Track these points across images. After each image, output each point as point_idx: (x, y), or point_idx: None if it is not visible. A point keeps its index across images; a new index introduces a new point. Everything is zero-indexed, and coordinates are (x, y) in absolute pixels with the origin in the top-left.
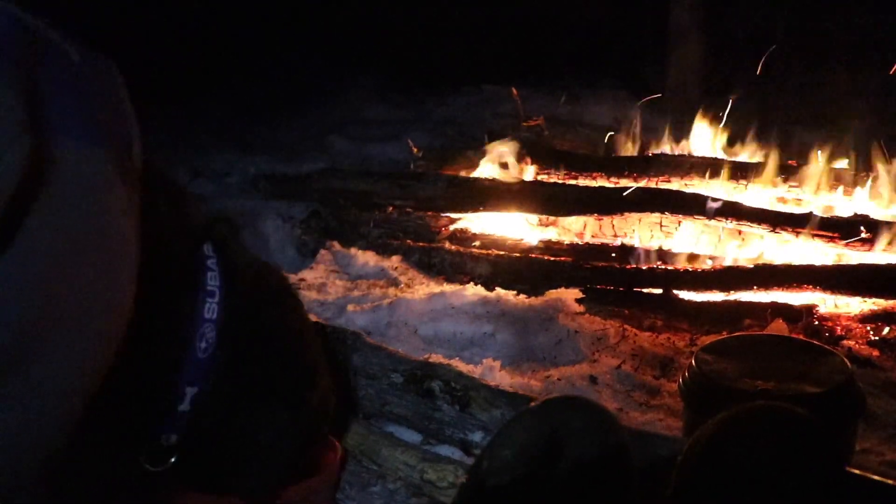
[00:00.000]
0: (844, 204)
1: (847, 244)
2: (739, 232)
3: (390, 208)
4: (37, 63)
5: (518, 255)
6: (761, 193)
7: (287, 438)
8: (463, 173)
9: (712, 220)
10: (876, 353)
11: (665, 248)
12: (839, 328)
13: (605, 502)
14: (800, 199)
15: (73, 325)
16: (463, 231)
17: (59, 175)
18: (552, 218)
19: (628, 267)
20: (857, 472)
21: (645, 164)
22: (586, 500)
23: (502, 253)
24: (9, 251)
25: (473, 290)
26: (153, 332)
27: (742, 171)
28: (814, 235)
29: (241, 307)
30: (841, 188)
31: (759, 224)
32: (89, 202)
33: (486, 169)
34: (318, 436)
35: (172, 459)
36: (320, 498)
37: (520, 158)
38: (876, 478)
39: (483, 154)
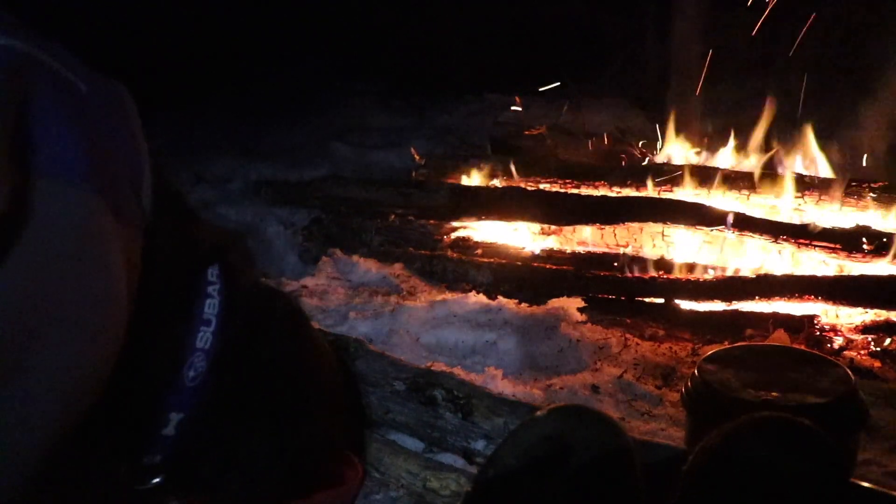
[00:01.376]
0: (847, 215)
1: (849, 255)
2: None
3: (392, 216)
4: (31, 98)
5: (520, 263)
6: (764, 203)
7: (277, 463)
8: (465, 181)
9: (712, 230)
10: (878, 363)
11: (667, 257)
12: (841, 339)
13: (610, 499)
14: (802, 210)
15: (49, 360)
16: (465, 239)
17: (44, 213)
18: (554, 227)
19: (630, 276)
20: (859, 482)
21: (647, 173)
22: (591, 495)
23: (504, 261)
24: None
25: (475, 299)
26: (143, 358)
27: (744, 181)
28: (815, 246)
29: (237, 336)
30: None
31: (761, 234)
32: (76, 241)
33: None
34: (319, 457)
35: (156, 480)
36: None
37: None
38: (878, 488)
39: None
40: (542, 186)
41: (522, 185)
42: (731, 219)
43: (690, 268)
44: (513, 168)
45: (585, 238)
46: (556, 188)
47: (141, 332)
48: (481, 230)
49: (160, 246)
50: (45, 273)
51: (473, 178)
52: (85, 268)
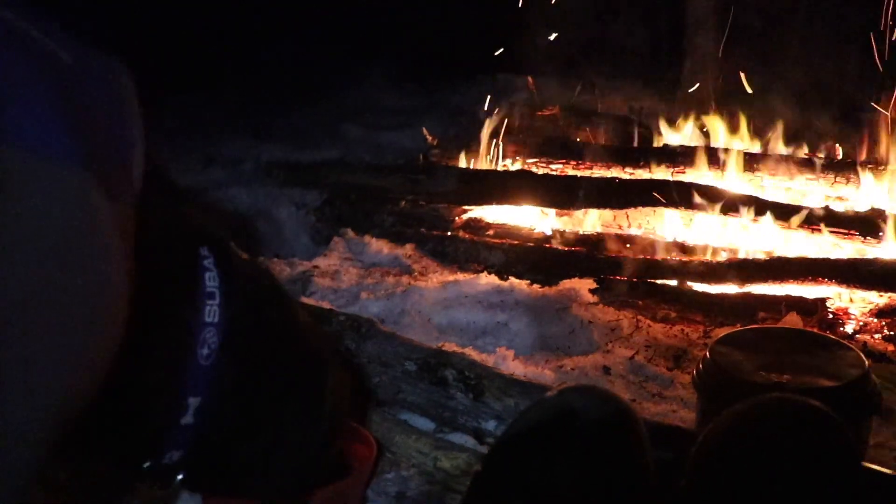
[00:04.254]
0: (862, 197)
1: (864, 240)
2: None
3: (402, 203)
4: (5, 68)
5: (532, 244)
6: (778, 185)
7: (312, 435)
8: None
9: (725, 215)
10: (891, 347)
11: (679, 239)
12: (854, 322)
13: (621, 484)
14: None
15: (45, 349)
16: (477, 220)
17: (21, 196)
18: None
19: (642, 258)
20: (871, 466)
21: (660, 155)
22: (601, 482)
23: (516, 242)
24: None
25: (487, 279)
26: (151, 341)
27: (758, 163)
28: (830, 231)
29: (242, 308)
30: (858, 180)
31: (775, 218)
32: (63, 220)
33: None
34: (340, 428)
35: (179, 478)
36: (352, 493)
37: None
38: (890, 472)
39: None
40: (554, 168)
41: (534, 167)
42: (744, 205)
43: (703, 250)
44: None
45: (597, 219)
46: (568, 170)
47: (142, 315)
48: (493, 211)
49: (150, 222)
50: (29, 261)
51: (484, 161)
52: (75, 251)
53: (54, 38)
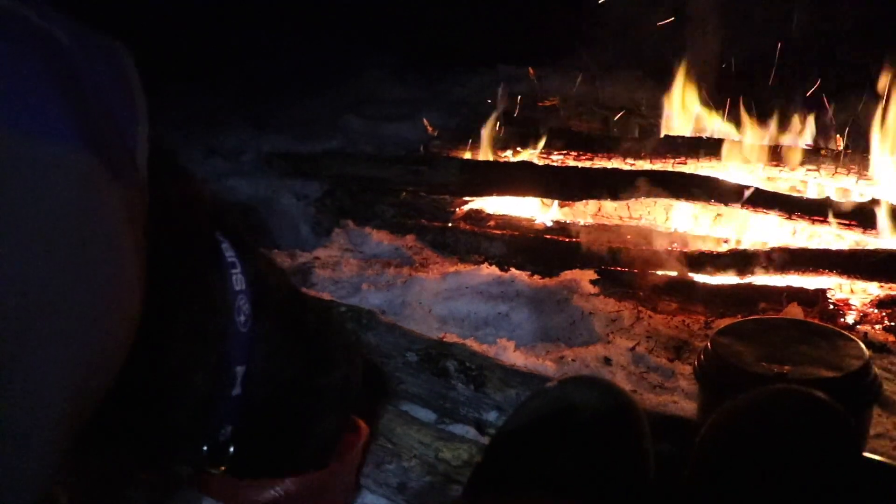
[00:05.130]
0: (862, 188)
1: (864, 231)
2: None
3: (403, 194)
4: (13, 52)
5: (533, 235)
6: (778, 176)
7: (340, 404)
8: (479, 156)
9: (727, 205)
10: (892, 338)
11: (680, 230)
12: (855, 313)
13: (622, 474)
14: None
15: (59, 334)
16: (477, 211)
17: (21, 177)
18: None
19: (643, 249)
20: (871, 456)
21: (660, 146)
22: (602, 472)
23: (517, 233)
24: None
25: (488, 270)
26: (188, 319)
27: (759, 154)
28: (830, 222)
29: (261, 277)
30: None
31: (775, 210)
32: (65, 208)
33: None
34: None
35: (231, 450)
36: (340, 479)
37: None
38: (890, 462)
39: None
40: (554, 159)
41: (535, 158)
42: (745, 194)
43: (704, 241)
44: (525, 141)
45: (599, 210)
46: (569, 160)
47: (166, 290)
48: (494, 202)
49: (169, 202)
50: (36, 249)
51: (485, 152)
52: (78, 236)
53: (50, 20)
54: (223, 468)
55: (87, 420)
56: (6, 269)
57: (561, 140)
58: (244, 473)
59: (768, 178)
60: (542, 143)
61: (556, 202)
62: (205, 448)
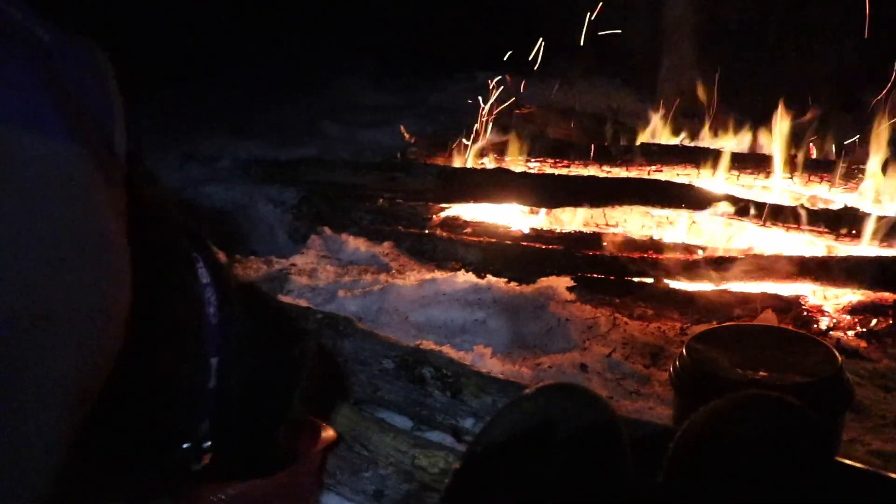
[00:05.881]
0: (835, 195)
1: (837, 237)
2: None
3: (381, 201)
4: None
5: (509, 242)
6: (754, 184)
7: (305, 392)
8: (456, 162)
9: (704, 212)
10: (863, 344)
11: (656, 237)
12: (828, 319)
13: (599, 480)
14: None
15: (57, 331)
16: (454, 218)
17: (19, 173)
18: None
19: (619, 255)
20: (844, 461)
21: (637, 154)
22: (579, 479)
23: (494, 240)
24: None
25: (465, 277)
26: (166, 313)
27: (734, 162)
28: (804, 229)
29: (220, 270)
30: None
31: (750, 217)
32: (62, 203)
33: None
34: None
35: (207, 444)
36: (299, 484)
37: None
38: (863, 467)
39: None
40: (532, 166)
41: (512, 165)
42: (718, 206)
43: (680, 248)
44: (503, 148)
45: (575, 218)
46: (546, 167)
47: (146, 284)
48: (471, 209)
49: (145, 200)
50: (31, 244)
51: (462, 160)
52: (77, 229)
53: (30, 17)
54: (203, 464)
55: (83, 422)
56: (8, 266)
57: (538, 147)
58: (220, 470)
59: (743, 186)
60: (519, 151)
61: (534, 209)
62: (185, 445)
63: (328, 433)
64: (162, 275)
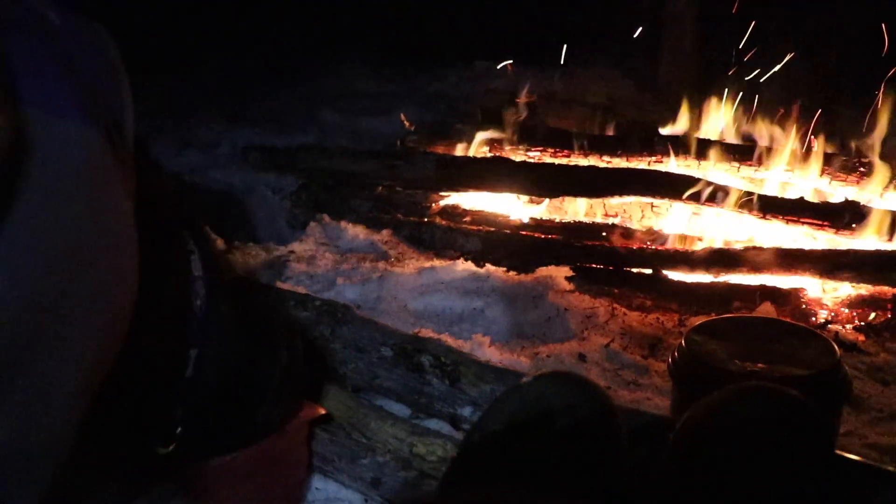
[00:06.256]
0: (836, 189)
1: (837, 231)
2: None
3: (380, 188)
4: (8, 28)
5: (509, 231)
6: (755, 176)
7: (285, 384)
8: (458, 150)
9: (701, 205)
10: (861, 337)
11: (656, 228)
12: (826, 312)
13: (596, 469)
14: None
15: (76, 317)
16: (454, 207)
17: (46, 156)
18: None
19: (619, 246)
20: (842, 453)
21: (637, 144)
22: (577, 467)
23: (493, 229)
24: None
25: (463, 266)
26: (156, 301)
27: (735, 154)
28: (803, 222)
29: (214, 262)
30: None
31: (749, 210)
32: (82, 186)
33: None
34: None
35: (178, 430)
36: (292, 455)
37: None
38: (860, 459)
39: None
40: (531, 155)
41: (512, 154)
42: (720, 194)
43: (679, 239)
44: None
45: (575, 207)
46: (545, 157)
47: (144, 267)
48: (470, 198)
49: (148, 188)
50: (59, 226)
51: (461, 148)
52: (96, 209)
53: (42, 1)
54: (171, 448)
55: (86, 413)
56: (31, 248)
57: (538, 136)
58: (189, 455)
59: (742, 178)
60: (519, 140)
61: (535, 199)
62: (157, 429)
63: (314, 409)
64: (157, 262)
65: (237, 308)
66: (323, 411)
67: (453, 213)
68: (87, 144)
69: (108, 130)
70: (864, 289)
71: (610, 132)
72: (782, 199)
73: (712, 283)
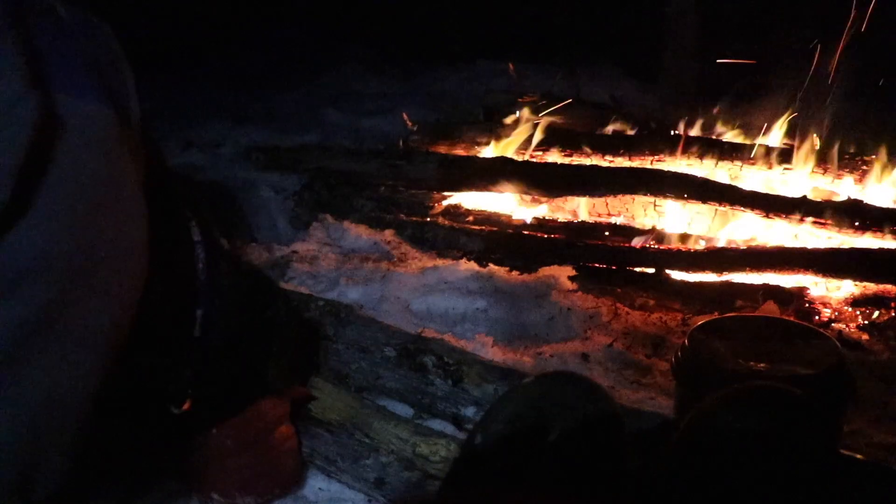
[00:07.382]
0: (840, 188)
1: (840, 230)
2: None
3: (382, 188)
4: (30, 17)
5: (511, 231)
6: (756, 175)
7: (281, 347)
8: (460, 150)
9: (704, 204)
10: (865, 336)
11: (658, 227)
12: (830, 311)
13: (599, 469)
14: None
15: (103, 278)
16: (456, 206)
17: (69, 135)
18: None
19: (621, 245)
20: (846, 452)
21: (639, 143)
22: (579, 467)
23: (496, 229)
24: (28, 216)
25: (466, 266)
26: (163, 265)
27: (737, 152)
28: (806, 221)
29: (210, 230)
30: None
31: (752, 209)
32: (102, 156)
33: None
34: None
35: (190, 390)
36: (278, 430)
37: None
38: (864, 458)
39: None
40: (534, 155)
41: (514, 154)
42: (724, 193)
43: (682, 238)
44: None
45: (577, 207)
46: (548, 157)
47: (158, 244)
48: (473, 197)
49: (152, 164)
50: (84, 199)
51: (464, 147)
52: (117, 189)
53: None
54: (183, 409)
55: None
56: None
57: (541, 136)
58: (198, 416)
59: (744, 177)
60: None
61: (538, 199)
62: (169, 389)
63: (300, 390)
64: (162, 229)
65: (236, 275)
66: (306, 391)
67: (456, 212)
68: (104, 121)
69: (118, 112)
70: (868, 287)
71: (612, 131)
72: (785, 197)
73: (715, 282)
